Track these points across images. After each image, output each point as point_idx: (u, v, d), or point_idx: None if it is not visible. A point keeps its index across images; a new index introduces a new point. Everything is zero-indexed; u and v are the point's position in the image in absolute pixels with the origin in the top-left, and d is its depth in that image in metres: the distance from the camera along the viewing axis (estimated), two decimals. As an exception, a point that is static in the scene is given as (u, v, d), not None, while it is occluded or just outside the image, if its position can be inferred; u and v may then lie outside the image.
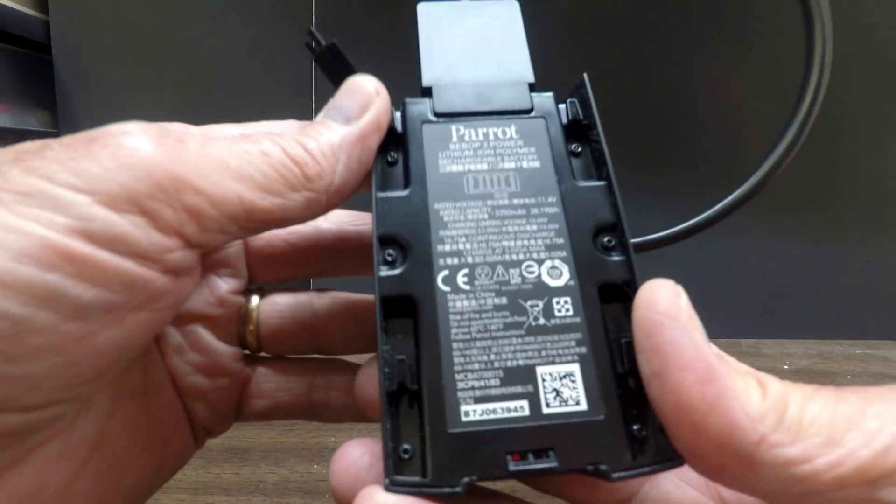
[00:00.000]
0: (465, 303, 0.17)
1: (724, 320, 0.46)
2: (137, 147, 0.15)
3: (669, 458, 0.15)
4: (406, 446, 0.16)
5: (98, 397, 0.18)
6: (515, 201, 0.18)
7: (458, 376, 0.16)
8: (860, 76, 0.43)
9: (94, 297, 0.14)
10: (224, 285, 0.22)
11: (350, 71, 0.20)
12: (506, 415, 0.16)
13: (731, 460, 0.13)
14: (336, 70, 0.20)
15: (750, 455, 0.13)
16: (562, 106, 0.20)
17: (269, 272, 0.23)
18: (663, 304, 0.14)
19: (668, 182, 0.44)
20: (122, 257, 0.15)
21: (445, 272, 0.17)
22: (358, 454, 0.16)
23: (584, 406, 0.16)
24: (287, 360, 0.23)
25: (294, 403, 0.23)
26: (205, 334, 0.21)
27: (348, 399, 0.22)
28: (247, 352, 0.23)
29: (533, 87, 0.20)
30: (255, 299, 0.22)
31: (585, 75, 0.20)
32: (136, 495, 0.20)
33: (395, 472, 0.15)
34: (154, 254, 0.15)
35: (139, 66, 0.43)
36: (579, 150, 0.20)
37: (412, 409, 0.16)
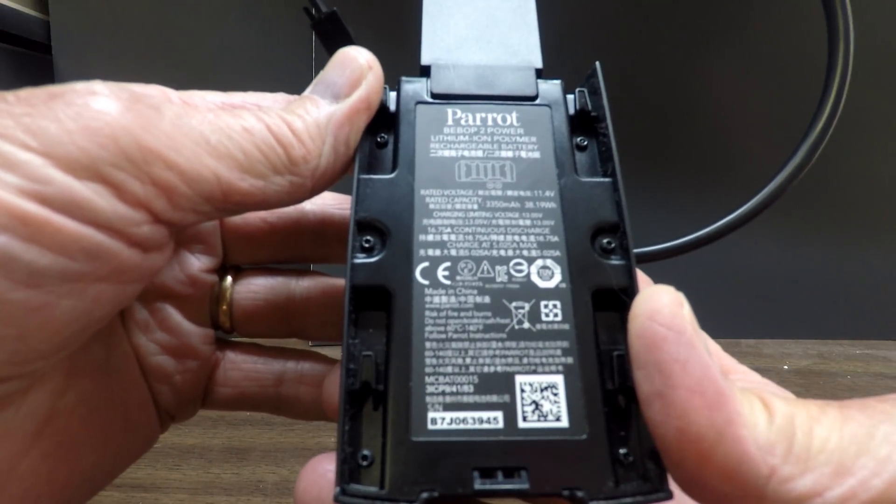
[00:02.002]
0: (444, 299, 0.15)
1: (724, 320, 0.46)
2: (104, 110, 0.14)
3: (657, 488, 0.14)
4: (366, 452, 0.14)
5: (51, 371, 0.17)
6: (509, 193, 0.17)
7: (427, 379, 0.14)
8: (859, 77, 0.43)
9: (51, 264, 0.13)
10: (197, 263, 0.20)
11: (349, 43, 0.19)
12: (477, 426, 0.14)
13: (737, 494, 0.12)
14: (335, 40, 0.19)
15: (759, 489, 0.12)
16: (570, 96, 0.19)
17: (245, 252, 0.22)
18: (666, 314, 0.13)
19: (673, 185, 0.44)
20: (82, 224, 0.13)
21: (425, 264, 0.16)
22: (322, 471, 0.15)
23: (564, 423, 0.14)
24: (259, 346, 0.22)
25: (261, 395, 0.21)
26: (173, 313, 0.20)
27: (318, 395, 0.21)
28: (220, 333, 0.22)
29: (540, 74, 0.19)
30: (228, 279, 0.21)
31: (598, 64, 0.18)
32: (93, 478, 0.18)
33: (349, 480, 0.14)
34: (119, 225, 0.14)
35: (139, 66, 0.43)
36: (585, 143, 0.18)
37: (377, 411, 0.15)
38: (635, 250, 0.16)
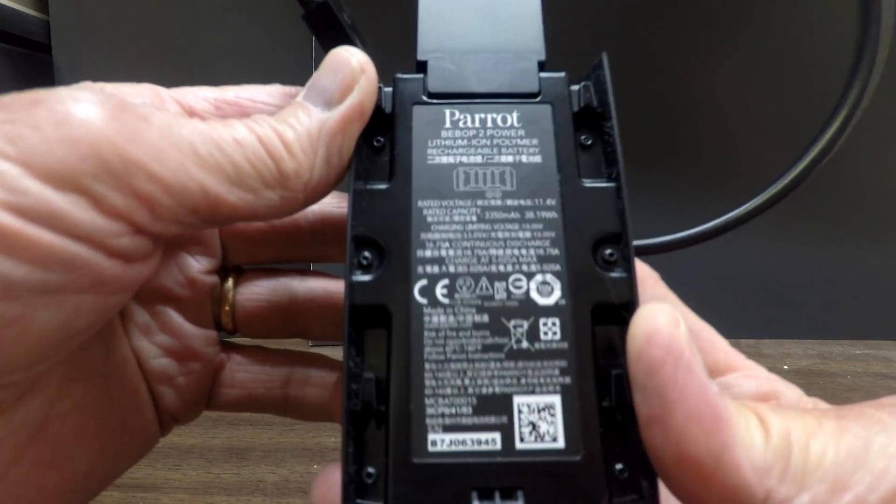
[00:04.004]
0: (443, 318, 0.15)
1: (724, 320, 0.46)
2: (86, 119, 0.13)
3: None
4: (370, 469, 0.14)
5: (47, 377, 0.16)
6: (509, 202, 0.16)
7: (427, 401, 0.15)
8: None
9: (26, 276, 0.13)
10: (195, 265, 0.20)
11: (341, 35, 0.18)
12: (475, 447, 0.14)
13: None
14: (327, 33, 0.18)
15: None
16: (574, 87, 0.18)
17: (245, 253, 0.21)
18: (664, 336, 0.13)
19: (670, 184, 0.44)
20: (59, 235, 0.13)
21: (423, 282, 0.16)
22: (334, 480, 0.15)
23: (560, 444, 0.14)
24: (265, 349, 0.22)
25: (268, 396, 0.21)
26: (174, 315, 0.20)
27: (325, 397, 0.21)
28: (223, 334, 0.22)
29: (543, 66, 0.18)
30: (230, 280, 0.21)
31: (604, 55, 0.17)
32: (88, 485, 0.18)
33: (355, 497, 0.14)
34: (97, 236, 0.14)
35: (139, 66, 0.43)
36: (589, 142, 0.17)
37: (379, 429, 0.15)
38: (636, 242, 0.16)
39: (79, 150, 0.13)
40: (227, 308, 0.21)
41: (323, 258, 0.22)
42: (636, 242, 0.16)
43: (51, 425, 0.16)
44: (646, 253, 0.29)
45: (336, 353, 0.23)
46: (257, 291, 0.21)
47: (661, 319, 0.13)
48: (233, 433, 0.36)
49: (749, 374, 0.18)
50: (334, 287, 0.22)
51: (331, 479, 0.15)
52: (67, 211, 0.13)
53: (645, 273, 0.19)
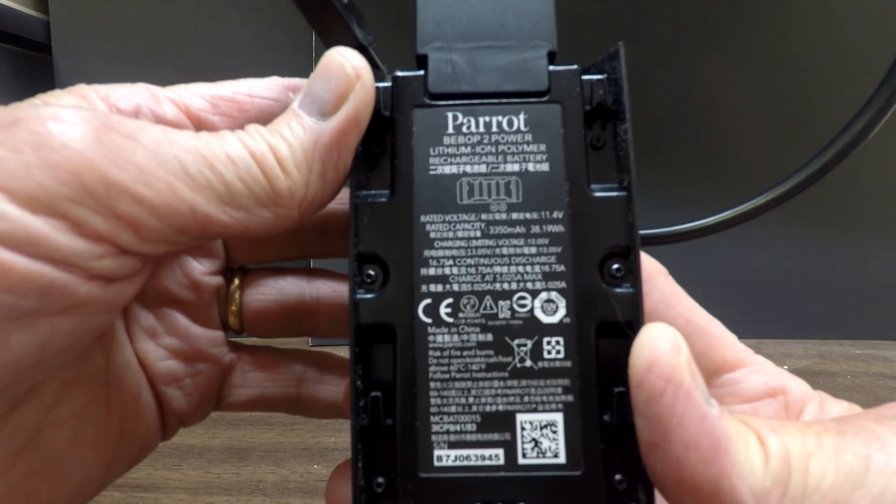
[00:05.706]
0: (447, 337, 0.15)
1: (724, 320, 0.46)
2: (67, 141, 0.13)
3: None
4: (380, 479, 0.15)
5: (43, 385, 0.16)
6: (514, 216, 0.16)
7: (433, 419, 0.15)
8: (858, 75, 0.43)
9: None
10: (199, 267, 0.20)
11: (334, 17, 0.17)
12: (479, 462, 0.15)
13: None
14: (318, 15, 0.17)
15: None
16: (586, 78, 0.16)
17: (248, 253, 0.21)
18: (664, 364, 0.13)
19: (667, 180, 0.44)
20: (34, 261, 0.13)
21: (427, 301, 0.16)
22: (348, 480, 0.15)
23: (562, 459, 0.15)
24: (276, 349, 0.22)
25: (282, 395, 0.21)
26: (180, 318, 0.20)
27: (338, 395, 0.21)
28: (231, 334, 0.22)
29: (554, 57, 0.17)
30: (236, 281, 0.21)
31: (621, 45, 0.16)
32: (81, 493, 0.18)
33: None
34: (76, 260, 0.13)
35: (139, 67, 0.43)
36: (602, 143, 0.16)
37: (388, 442, 0.15)
38: (643, 232, 0.16)
39: (58, 173, 0.13)
40: (234, 308, 0.21)
41: (326, 254, 0.22)
42: (642, 232, 0.16)
43: (45, 434, 0.16)
44: (652, 243, 0.29)
45: (339, 350, 0.23)
46: (264, 292, 0.21)
47: (663, 346, 0.13)
48: (233, 433, 0.36)
49: (757, 369, 0.18)
50: (341, 286, 0.22)
51: (345, 475, 0.15)
52: (46, 235, 0.13)
53: (654, 268, 0.18)
